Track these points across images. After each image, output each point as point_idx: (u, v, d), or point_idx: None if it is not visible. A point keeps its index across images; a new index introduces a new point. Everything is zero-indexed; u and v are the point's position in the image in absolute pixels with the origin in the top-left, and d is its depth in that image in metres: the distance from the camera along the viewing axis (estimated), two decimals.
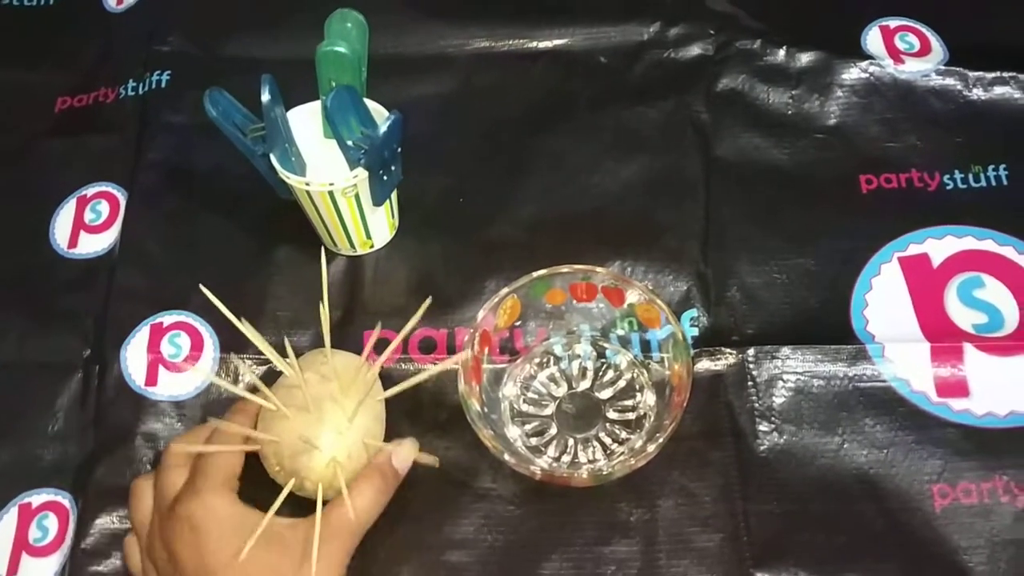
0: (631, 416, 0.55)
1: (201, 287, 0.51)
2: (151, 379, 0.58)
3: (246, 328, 0.51)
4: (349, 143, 0.55)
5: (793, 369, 0.56)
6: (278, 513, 0.47)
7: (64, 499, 0.55)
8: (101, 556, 0.53)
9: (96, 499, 0.54)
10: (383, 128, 0.54)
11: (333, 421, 0.50)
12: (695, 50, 0.69)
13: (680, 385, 0.51)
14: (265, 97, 0.54)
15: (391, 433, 0.53)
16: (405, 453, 0.51)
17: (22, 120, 0.70)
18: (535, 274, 0.54)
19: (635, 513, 0.53)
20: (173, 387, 0.58)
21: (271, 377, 0.57)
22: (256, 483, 0.50)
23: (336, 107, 0.54)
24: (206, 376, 0.57)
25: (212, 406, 0.58)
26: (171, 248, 0.63)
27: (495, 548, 0.52)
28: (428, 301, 0.52)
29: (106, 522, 0.54)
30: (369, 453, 0.51)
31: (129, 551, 0.51)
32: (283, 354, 0.52)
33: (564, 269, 0.54)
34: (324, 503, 0.48)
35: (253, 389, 0.52)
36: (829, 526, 0.52)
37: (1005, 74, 0.65)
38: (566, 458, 0.54)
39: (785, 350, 0.56)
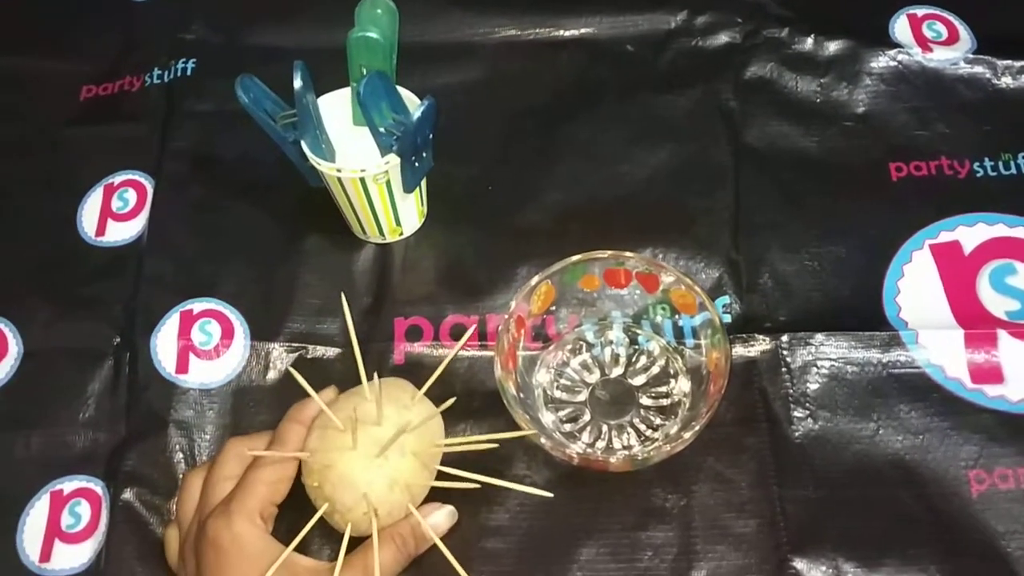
0: (665, 402, 0.55)
1: (292, 370, 0.50)
2: (182, 366, 0.58)
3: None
4: (381, 129, 0.55)
5: (827, 355, 0.56)
6: (307, 551, 0.47)
7: (96, 486, 0.55)
8: (133, 542, 0.53)
9: (128, 486, 0.54)
10: (417, 113, 0.54)
11: (391, 476, 0.48)
12: (723, 38, 0.69)
13: (717, 372, 0.51)
14: (297, 83, 0.54)
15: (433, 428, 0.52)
16: (439, 521, 0.50)
17: (48, 109, 0.70)
18: (570, 259, 0.54)
19: (670, 499, 0.52)
20: (204, 374, 0.58)
21: (301, 366, 0.57)
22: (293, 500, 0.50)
23: (368, 93, 0.54)
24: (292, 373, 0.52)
25: (243, 393, 0.57)
26: (199, 235, 0.63)
27: (531, 535, 0.52)
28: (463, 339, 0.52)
29: (139, 508, 0.54)
30: (403, 516, 0.49)
31: (168, 541, 0.51)
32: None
33: (601, 254, 0.54)
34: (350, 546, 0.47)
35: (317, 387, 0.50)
36: (865, 512, 0.52)
37: None
38: (600, 444, 0.54)
39: (819, 336, 0.56)
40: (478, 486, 0.49)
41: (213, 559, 0.46)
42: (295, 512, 0.49)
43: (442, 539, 0.48)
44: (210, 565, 0.46)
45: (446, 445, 0.51)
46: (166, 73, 0.70)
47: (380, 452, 0.48)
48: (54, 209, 0.65)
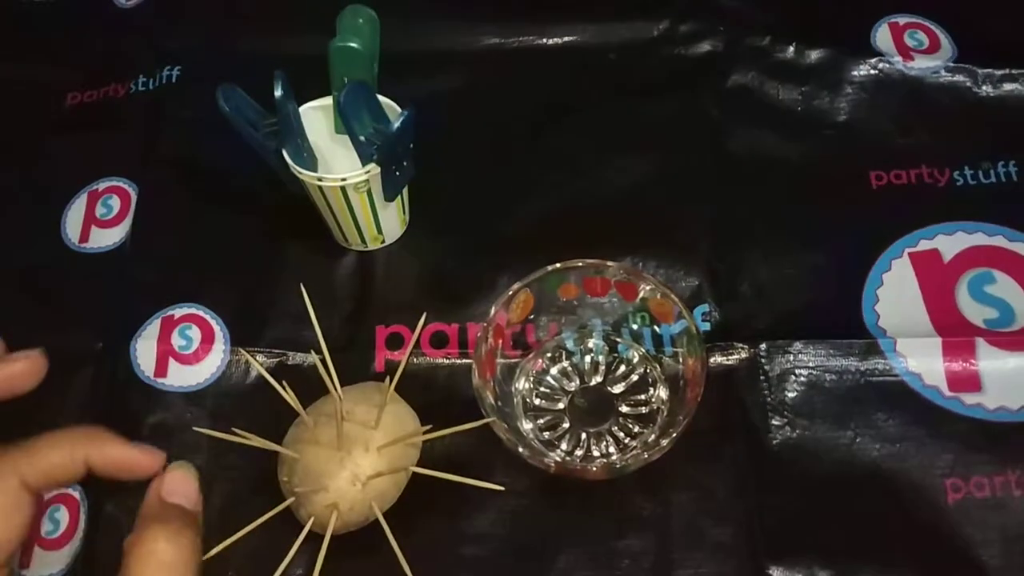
0: (644, 410, 0.55)
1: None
2: (161, 370, 0.58)
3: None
4: (362, 138, 0.55)
5: (805, 364, 0.56)
6: (279, 548, 0.47)
7: (74, 491, 0.55)
8: (111, 548, 0.53)
9: (106, 491, 0.54)
10: (396, 123, 0.54)
11: (353, 471, 0.49)
12: (705, 47, 0.69)
13: (694, 379, 0.51)
14: (278, 93, 0.54)
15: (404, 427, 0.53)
16: (179, 487, 0.42)
17: (33, 116, 0.70)
18: (549, 268, 0.54)
19: (648, 507, 0.53)
20: (183, 378, 0.58)
21: (281, 372, 0.57)
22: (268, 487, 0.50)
23: (349, 102, 0.54)
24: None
25: (222, 398, 0.57)
26: (182, 242, 0.63)
27: (509, 541, 0.52)
28: (423, 319, 0.54)
29: (116, 513, 0.54)
30: (372, 515, 0.50)
31: None
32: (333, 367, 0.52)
33: (578, 263, 0.54)
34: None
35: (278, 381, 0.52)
36: (842, 520, 0.52)
37: (1014, 71, 0.65)
38: (579, 452, 0.54)
39: (797, 345, 0.56)
40: (453, 478, 0.49)
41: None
42: (269, 507, 0.49)
43: (419, 548, 0.49)
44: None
45: (411, 441, 0.51)
46: (151, 80, 0.70)
47: (339, 446, 0.49)
48: (38, 215, 0.65)
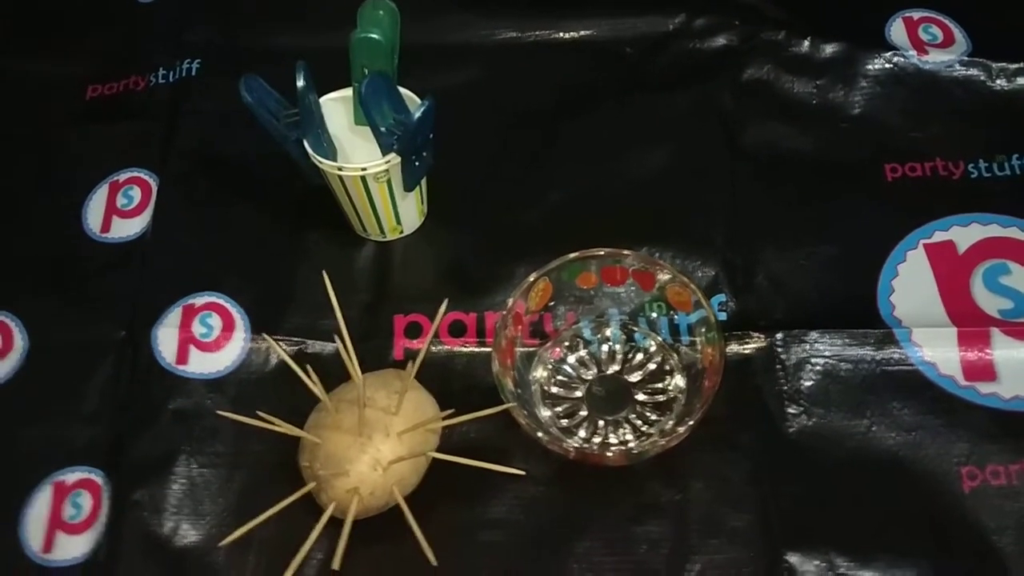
0: (661, 399, 0.55)
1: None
2: (182, 358, 0.59)
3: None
4: (382, 129, 0.56)
5: (821, 353, 0.56)
6: (295, 533, 0.48)
7: (97, 477, 0.55)
8: (134, 532, 0.54)
9: (129, 476, 0.55)
10: (417, 114, 0.55)
11: (374, 455, 0.50)
12: (720, 41, 0.70)
13: (712, 368, 0.52)
14: (300, 83, 0.55)
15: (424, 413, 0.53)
16: None
17: (54, 108, 0.71)
18: (568, 257, 0.54)
19: (666, 494, 0.53)
20: (203, 365, 0.58)
21: (301, 360, 0.57)
22: (289, 473, 0.51)
23: (370, 93, 0.55)
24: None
25: (241, 385, 0.58)
26: (202, 232, 0.64)
27: (527, 527, 0.53)
28: (445, 305, 0.54)
29: (139, 498, 0.54)
30: (393, 500, 0.50)
31: None
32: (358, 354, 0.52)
33: (597, 252, 0.54)
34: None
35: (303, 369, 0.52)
36: (858, 507, 0.52)
37: None
38: (596, 440, 0.54)
39: (813, 334, 0.57)
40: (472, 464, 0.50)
41: None
42: (290, 492, 0.50)
43: (439, 533, 0.49)
44: None
45: (430, 427, 0.52)
46: (171, 73, 0.71)
47: (360, 431, 0.50)
48: (60, 206, 0.66)
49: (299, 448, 0.53)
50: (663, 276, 0.55)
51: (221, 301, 0.60)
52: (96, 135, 0.69)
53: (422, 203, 0.63)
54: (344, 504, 0.50)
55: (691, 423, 0.50)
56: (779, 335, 0.57)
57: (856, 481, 0.53)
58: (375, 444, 0.50)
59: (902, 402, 0.55)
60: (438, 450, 0.52)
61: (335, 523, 0.49)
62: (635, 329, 0.57)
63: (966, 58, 0.67)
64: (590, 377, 0.57)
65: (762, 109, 0.67)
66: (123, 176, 0.67)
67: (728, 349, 0.56)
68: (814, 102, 0.67)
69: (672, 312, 0.56)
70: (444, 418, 0.52)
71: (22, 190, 0.68)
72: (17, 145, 0.70)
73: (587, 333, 0.58)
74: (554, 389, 0.56)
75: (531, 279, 0.54)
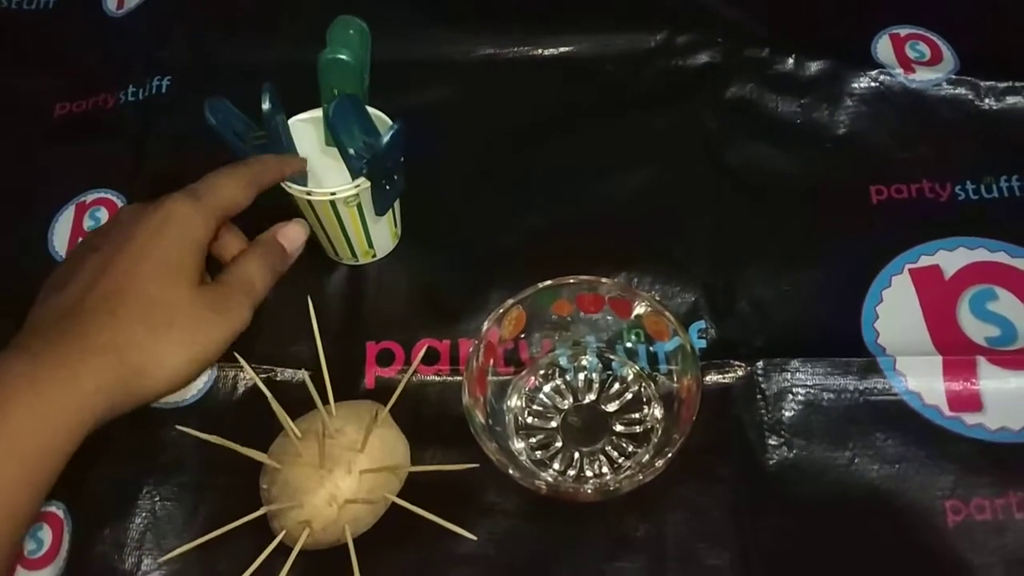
0: (638, 429, 0.54)
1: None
2: None
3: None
4: (351, 152, 0.55)
5: (803, 382, 0.55)
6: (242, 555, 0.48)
7: (58, 509, 0.54)
8: (95, 568, 0.52)
9: (90, 509, 0.54)
10: (386, 138, 0.53)
11: (332, 491, 0.49)
12: (703, 58, 0.68)
13: (689, 398, 0.50)
14: (266, 106, 0.53)
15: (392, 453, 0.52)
16: (292, 233, 0.55)
17: (20, 126, 0.69)
18: (541, 285, 0.53)
19: (642, 528, 0.51)
20: (169, 395, 0.57)
21: (269, 388, 0.56)
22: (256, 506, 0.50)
23: (338, 116, 0.53)
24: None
25: (209, 414, 0.56)
26: None
27: (499, 563, 0.51)
28: (422, 353, 0.56)
29: (100, 533, 0.53)
30: (344, 538, 0.49)
31: None
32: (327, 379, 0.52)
33: (570, 280, 0.53)
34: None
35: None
36: (840, 542, 0.51)
37: (1017, 84, 0.64)
38: (572, 472, 0.53)
39: (795, 363, 0.55)
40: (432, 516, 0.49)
41: (146, 222, 0.49)
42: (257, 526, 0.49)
43: (408, 569, 0.48)
44: (136, 224, 0.49)
45: (398, 472, 0.51)
46: (141, 91, 0.69)
47: (321, 464, 0.49)
48: (25, 227, 0.64)
49: (261, 472, 0.52)
50: (639, 304, 0.53)
51: None
52: (64, 154, 0.68)
53: (395, 226, 0.61)
54: (294, 535, 0.48)
55: (669, 455, 0.48)
56: (760, 363, 0.55)
57: (838, 515, 0.52)
58: (335, 479, 0.49)
59: (885, 433, 0.53)
60: (407, 482, 0.51)
61: (286, 551, 0.48)
62: (612, 357, 0.56)
63: (954, 76, 0.65)
64: (566, 407, 0.55)
65: (745, 128, 0.65)
66: (90, 197, 0.65)
67: (708, 378, 0.55)
68: (798, 121, 0.65)
69: (650, 341, 0.54)
70: (427, 463, 0.51)
71: None
72: None
73: (563, 361, 0.56)
74: (529, 419, 0.55)
75: (504, 307, 0.53)
